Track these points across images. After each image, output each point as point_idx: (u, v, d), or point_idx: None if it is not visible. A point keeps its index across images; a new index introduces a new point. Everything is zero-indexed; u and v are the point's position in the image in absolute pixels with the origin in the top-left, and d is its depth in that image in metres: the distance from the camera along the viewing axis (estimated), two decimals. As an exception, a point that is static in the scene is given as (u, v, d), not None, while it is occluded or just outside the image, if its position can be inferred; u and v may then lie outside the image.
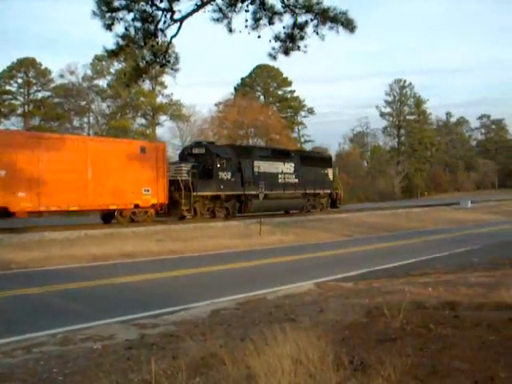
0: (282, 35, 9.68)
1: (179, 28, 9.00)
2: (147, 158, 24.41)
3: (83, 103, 64.66)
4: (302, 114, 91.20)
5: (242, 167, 28.61)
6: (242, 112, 66.93)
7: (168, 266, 14.72)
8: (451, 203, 49.23)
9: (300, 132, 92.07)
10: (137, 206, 24.00)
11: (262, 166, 30.15)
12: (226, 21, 9.26)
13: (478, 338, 4.86)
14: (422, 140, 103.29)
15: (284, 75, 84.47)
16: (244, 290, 11.01)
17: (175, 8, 8.84)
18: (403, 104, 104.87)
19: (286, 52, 9.92)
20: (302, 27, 9.47)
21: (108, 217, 24.36)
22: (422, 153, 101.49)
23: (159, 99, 66.59)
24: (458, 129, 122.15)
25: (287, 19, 9.61)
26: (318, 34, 9.42)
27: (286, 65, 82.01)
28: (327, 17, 9.04)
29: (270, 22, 9.43)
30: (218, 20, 9.22)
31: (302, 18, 9.49)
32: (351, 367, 4.22)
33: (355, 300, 8.44)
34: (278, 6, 9.35)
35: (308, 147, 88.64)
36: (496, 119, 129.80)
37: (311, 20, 9.31)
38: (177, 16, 8.89)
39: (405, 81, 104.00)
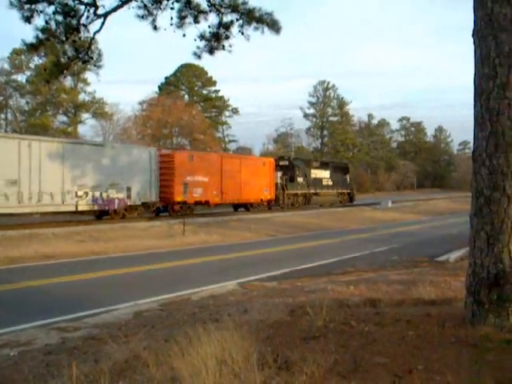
0: (208, 34, 9.66)
1: (103, 23, 8.80)
2: (266, 169, 36.75)
3: (0, 99, 61.95)
4: (227, 113, 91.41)
5: (307, 174, 41.32)
6: (166, 111, 66.29)
7: (89, 268, 14.33)
8: (373, 203, 50.60)
9: (224, 132, 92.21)
10: (261, 200, 36.88)
11: (316, 173, 42.94)
12: (150, 18, 9.15)
13: (398, 333, 5.00)
14: (345, 141, 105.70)
15: (209, 75, 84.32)
16: (168, 291, 10.90)
17: (99, 3, 8.65)
18: (327, 105, 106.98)
19: (211, 51, 9.90)
20: (227, 27, 9.48)
21: (238, 207, 36.60)
22: (344, 154, 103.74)
23: (81, 96, 64.53)
24: (379, 130, 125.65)
25: (213, 18, 9.61)
26: (243, 34, 9.46)
27: (211, 64, 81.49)
28: (253, 17, 9.09)
29: (196, 21, 9.40)
30: (142, 17, 9.09)
31: (227, 18, 9.52)
32: (275, 366, 4.24)
33: (279, 299, 8.50)
34: (204, 5, 9.33)
35: (232, 147, 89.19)
36: (415, 122, 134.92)
37: (237, 20, 9.35)
38: (100, 11, 8.70)
39: (328, 82, 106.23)
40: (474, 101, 5.28)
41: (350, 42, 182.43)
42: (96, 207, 24.76)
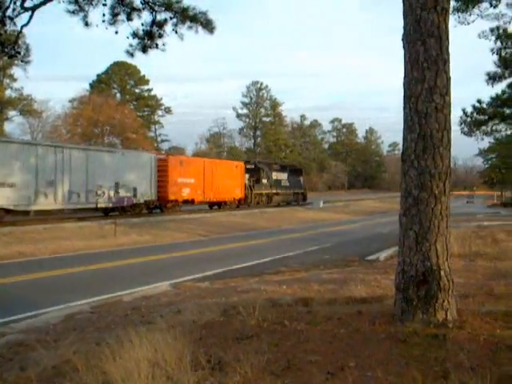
0: (141, 32, 9.52)
1: (31, 17, 8.50)
2: (237, 172, 41.11)
3: None
4: (159, 113, 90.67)
5: (269, 176, 46.16)
6: (97, 109, 64.95)
7: (15, 270, 13.82)
8: (305, 203, 51.27)
9: (157, 131, 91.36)
10: (234, 198, 40.75)
11: (276, 176, 47.70)
12: (82, 14, 8.92)
13: (330, 331, 5.08)
14: (277, 142, 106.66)
15: (142, 73, 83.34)
16: (99, 293, 10.69)
17: (26, -5, 8.35)
18: (260, 106, 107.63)
19: (145, 49, 9.76)
20: (160, 25, 9.37)
21: (213, 205, 40.16)
22: (277, 154, 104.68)
23: (8, 93, 62.04)
24: (311, 131, 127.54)
25: (146, 16, 9.49)
26: (176, 32, 9.39)
27: (145, 63, 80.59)
28: (187, 16, 9.02)
29: (129, 18, 9.24)
30: (73, 12, 8.85)
31: (161, 16, 9.42)
32: (209, 366, 4.22)
33: (212, 299, 8.47)
34: (137, 2, 9.21)
35: (165, 147, 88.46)
36: (347, 123, 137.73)
37: (170, 18, 9.26)
38: (28, 4, 8.41)
39: (261, 83, 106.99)
40: (404, 103, 5.42)
41: (286, 44, 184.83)
42: (111, 205, 28.53)
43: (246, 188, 42.18)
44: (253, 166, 44.98)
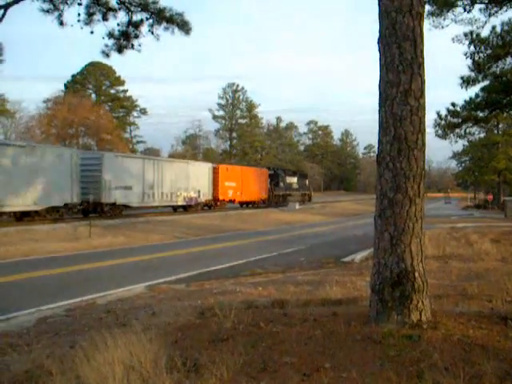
0: (116, 32, 9.45)
1: (3, 15, 8.36)
2: (263, 177, 49.50)
3: None
4: (135, 114, 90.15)
5: (284, 180, 54.28)
6: (72, 110, 64.30)
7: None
8: (280, 205, 51.39)
9: (132, 132, 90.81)
10: (261, 199, 48.65)
11: (289, 180, 55.92)
12: (56, 13, 8.81)
13: (306, 333, 5.09)
14: (253, 143, 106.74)
15: (117, 74, 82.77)
16: (73, 296, 10.57)
17: (-2, -7, 8.23)
18: (236, 108, 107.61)
19: (120, 50, 9.69)
20: (136, 25, 9.31)
21: (246, 204, 47.98)
22: (252, 156, 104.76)
23: (-21, 92, 61.45)
24: (287, 133, 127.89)
25: (122, 16, 9.42)
26: (153, 33, 9.34)
27: (121, 64, 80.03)
28: (163, 17, 8.98)
29: (104, 18, 9.17)
30: (48, 11, 8.73)
31: (137, 16, 9.36)
32: (185, 369, 4.20)
33: (187, 302, 8.45)
34: (113, 2, 9.13)
35: (140, 148, 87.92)
36: (323, 125, 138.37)
37: (147, 19, 9.20)
38: (0, 2, 8.28)
39: (238, 85, 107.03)
40: (379, 106, 5.46)
41: (262, 46, 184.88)
42: (184, 203, 36.93)
43: (269, 190, 50.57)
44: (272, 172, 53.15)
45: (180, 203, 36.56)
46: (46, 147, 27.28)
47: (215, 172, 40.97)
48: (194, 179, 37.34)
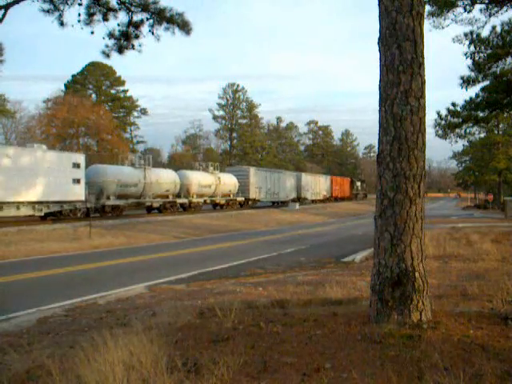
0: (117, 33, 9.44)
1: (3, 15, 8.36)
2: (348, 183, 77.91)
3: None
4: (135, 114, 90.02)
5: (356, 184, 77.38)
6: (72, 110, 64.18)
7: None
8: (281, 205, 51.46)
9: (133, 133, 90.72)
10: (347, 196, 76.54)
11: (358, 183, 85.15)
12: (57, 13, 8.80)
13: (306, 333, 5.09)
14: (254, 143, 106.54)
15: (117, 74, 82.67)
16: (73, 296, 10.56)
17: (-1, -6, 8.22)
18: (236, 108, 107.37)
19: (121, 50, 9.67)
20: (137, 26, 9.30)
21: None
22: (253, 156, 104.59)
23: (-21, 92, 61.29)
24: (287, 133, 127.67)
25: (122, 17, 9.40)
26: (153, 33, 9.32)
27: (122, 64, 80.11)
28: (163, 17, 8.97)
29: (105, 19, 9.15)
30: (48, 12, 8.73)
31: (137, 17, 9.34)
32: (185, 369, 4.20)
33: (188, 302, 8.45)
34: (113, 3, 9.12)
35: (140, 148, 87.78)
36: (323, 125, 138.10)
37: (147, 19, 9.19)
38: (0, 2, 8.27)
39: (238, 85, 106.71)
40: (379, 106, 5.46)
41: (263, 47, 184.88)
42: (275, 200, 54.17)
43: (350, 190, 64.84)
44: (350, 180, 67.07)
45: (274, 201, 54.18)
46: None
47: (332, 180, 70.05)
48: (280, 184, 54.60)
